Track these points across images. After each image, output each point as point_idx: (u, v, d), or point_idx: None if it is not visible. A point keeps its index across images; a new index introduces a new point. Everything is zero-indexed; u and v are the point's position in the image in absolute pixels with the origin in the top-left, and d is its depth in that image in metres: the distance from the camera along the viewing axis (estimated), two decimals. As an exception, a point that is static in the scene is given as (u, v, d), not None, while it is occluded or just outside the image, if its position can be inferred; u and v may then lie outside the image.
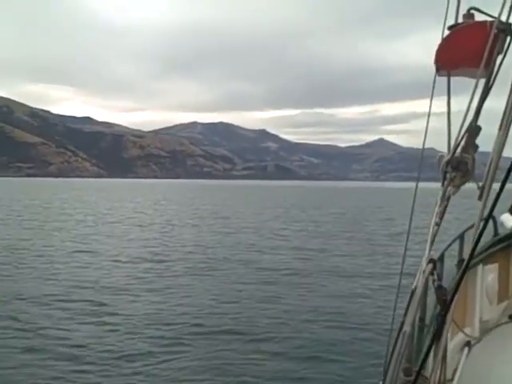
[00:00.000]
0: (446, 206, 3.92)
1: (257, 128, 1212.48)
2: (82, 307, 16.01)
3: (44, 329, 13.73)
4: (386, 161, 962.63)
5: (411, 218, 4.50)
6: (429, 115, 4.31)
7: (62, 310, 15.62)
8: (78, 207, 68.56)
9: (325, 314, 15.67)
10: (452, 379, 4.16)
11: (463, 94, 3.84)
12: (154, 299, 17.15)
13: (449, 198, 3.91)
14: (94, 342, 12.63)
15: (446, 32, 4.03)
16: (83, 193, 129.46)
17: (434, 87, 4.14)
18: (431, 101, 4.21)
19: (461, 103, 3.84)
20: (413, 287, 3.53)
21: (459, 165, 3.79)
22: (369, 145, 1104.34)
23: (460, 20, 3.99)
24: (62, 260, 24.91)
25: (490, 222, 5.84)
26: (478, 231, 3.03)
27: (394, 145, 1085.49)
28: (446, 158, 3.85)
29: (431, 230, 3.82)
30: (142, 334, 13.44)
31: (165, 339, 13.06)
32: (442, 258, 4.22)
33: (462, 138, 3.79)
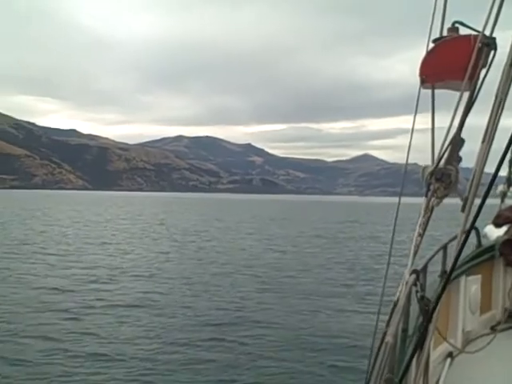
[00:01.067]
0: (429, 218, 3.89)
1: (243, 142, 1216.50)
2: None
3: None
4: (371, 176, 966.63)
5: (394, 231, 4.46)
6: (413, 128, 4.30)
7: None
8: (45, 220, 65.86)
9: (307, 325, 15.68)
10: None
11: (447, 109, 3.84)
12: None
13: (432, 209, 3.88)
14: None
15: (431, 45, 4.02)
16: (55, 205, 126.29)
17: (418, 99, 4.13)
18: (415, 113, 4.17)
19: (445, 118, 3.85)
20: (395, 298, 3.48)
21: (443, 176, 3.78)
22: (355, 160, 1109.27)
23: (445, 33, 3.98)
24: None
25: (474, 234, 5.91)
26: (461, 242, 3.04)
27: (380, 160, 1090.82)
28: (430, 170, 3.84)
29: (414, 241, 3.78)
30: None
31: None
32: (425, 269, 4.20)
33: (446, 150, 3.78)
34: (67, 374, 11.42)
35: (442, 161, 3.78)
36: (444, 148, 3.77)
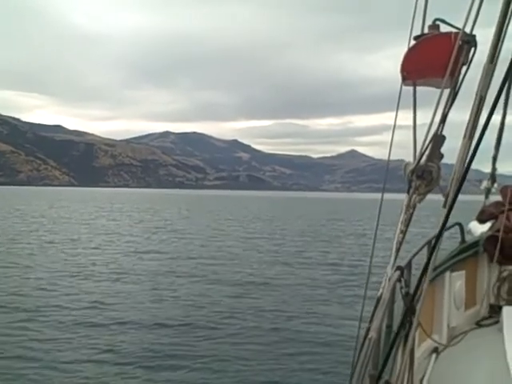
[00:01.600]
0: (411, 214, 3.91)
1: (229, 138, 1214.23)
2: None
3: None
4: (357, 172, 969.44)
5: (377, 228, 4.46)
6: (394, 124, 4.36)
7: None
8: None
9: (290, 323, 15.61)
10: None
11: (430, 105, 3.85)
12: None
13: (414, 206, 3.90)
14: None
15: (412, 42, 4.07)
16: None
17: (400, 96, 4.17)
18: (397, 109, 4.24)
19: (428, 115, 3.86)
20: (378, 294, 3.50)
21: (424, 173, 3.80)
22: (341, 156, 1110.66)
23: (426, 31, 4.03)
24: None
25: (459, 230, 6.02)
26: (436, 237, 3.08)
27: (366, 156, 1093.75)
28: (411, 167, 3.87)
29: (396, 237, 3.82)
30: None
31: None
32: (409, 265, 4.21)
33: (427, 147, 3.80)
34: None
35: (424, 158, 3.81)
36: (425, 145, 3.79)
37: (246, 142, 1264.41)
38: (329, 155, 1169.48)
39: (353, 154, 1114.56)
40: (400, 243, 3.79)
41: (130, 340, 13.76)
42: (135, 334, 14.32)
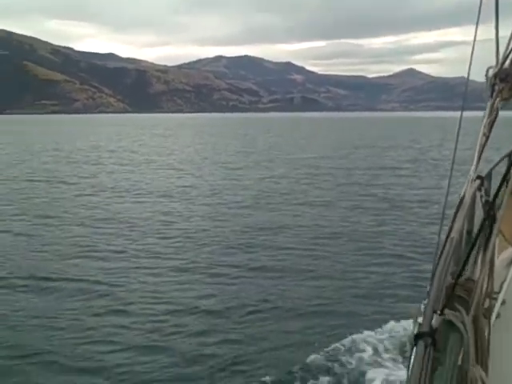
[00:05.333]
0: (495, 118, 3.75)
1: (282, 60, 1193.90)
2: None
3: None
4: (414, 91, 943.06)
5: (457, 140, 4.24)
6: (474, 39, 4.10)
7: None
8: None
9: (374, 230, 18.30)
10: (499, 291, 4.03)
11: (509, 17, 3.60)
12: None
13: (497, 110, 3.75)
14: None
15: None
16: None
17: (480, 5, 3.92)
18: (477, 23, 3.98)
19: (506, 27, 3.66)
20: (461, 195, 3.42)
21: (508, 76, 3.62)
22: (398, 75, 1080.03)
23: None
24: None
25: None
26: None
27: (424, 74, 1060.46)
28: (494, 71, 3.68)
29: (479, 140, 3.66)
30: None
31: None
32: (489, 175, 4.00)
33: (511, 50, 3.61)
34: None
35: (507, 61, 3.62)
36: (509, 48, 3.60)
37: (299, 63, 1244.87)
38: (385, 74, 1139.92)
39: (410, 72, 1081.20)
40: (483, 146, 3.60)
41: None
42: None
